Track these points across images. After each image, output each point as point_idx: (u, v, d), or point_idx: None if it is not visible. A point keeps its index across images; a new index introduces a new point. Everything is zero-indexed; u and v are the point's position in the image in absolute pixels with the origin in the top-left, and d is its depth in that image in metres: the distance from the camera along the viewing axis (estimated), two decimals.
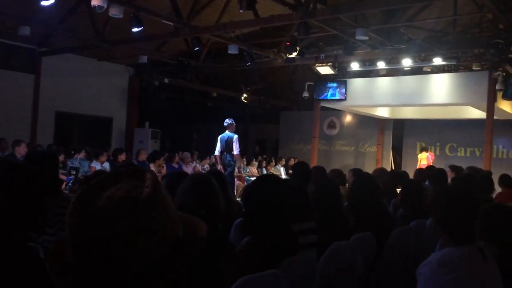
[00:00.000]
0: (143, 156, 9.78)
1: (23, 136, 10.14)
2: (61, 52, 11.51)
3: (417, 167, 10.22)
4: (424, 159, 12.48)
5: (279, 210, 2.50)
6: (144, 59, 11.28)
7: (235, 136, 9.03)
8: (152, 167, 9.79)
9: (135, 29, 8.08)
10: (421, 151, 12.88)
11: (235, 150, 9.03)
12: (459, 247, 1.94)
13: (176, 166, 10.45)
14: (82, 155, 9.36)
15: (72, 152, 9.54)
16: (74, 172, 7.90)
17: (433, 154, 13.09)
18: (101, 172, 3.68)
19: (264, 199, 2.52)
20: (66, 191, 5.74)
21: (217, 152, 9.21)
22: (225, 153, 9.08)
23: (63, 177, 7.51)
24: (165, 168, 9.88)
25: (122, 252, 0.78)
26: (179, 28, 9.07)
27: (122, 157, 9.41)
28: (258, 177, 3.00)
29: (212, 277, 2.09)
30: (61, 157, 9.32)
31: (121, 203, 0.81)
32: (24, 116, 11.59)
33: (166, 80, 13.81)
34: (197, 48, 9.82)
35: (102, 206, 0.80)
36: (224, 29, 8.90)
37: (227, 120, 9.10)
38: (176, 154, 11.27)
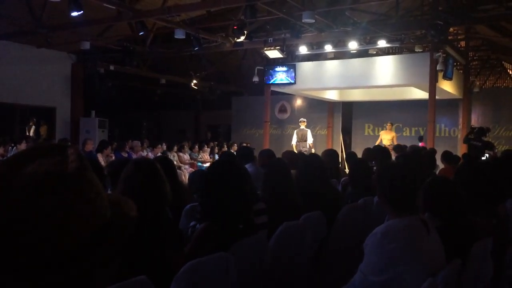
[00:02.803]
0: (89, 146, 9.44)
1: None
2: None
3: None
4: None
5: (241, 193, 2.47)
6: (86, 45, 10.80)
7: (309, 130, 12.51)
8: (100, 157, 9.48)
9: (74, 13, 7.70)
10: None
11: (310, 140, 12.24)
12: (403, 218, 1.99)
13: (125, 155, 10.16)
14: (22, 146, 8.90)
15: (12, 144, 9.05)
16: None
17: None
18: None
19: (227, 184, 2.48)
20: None
21: (294, 142, 12.27)
22: (299, 142, 12.12)
23: None
24: (114, 157, 9.59)
25: (49, 233, 0.71)
26: (122, 12, 8.75)
27: None
28: (215, 162, 2.97)
29: (159, 262, 2.04)
30: (1, 150, 8.85)
31: (47, 179, 0.73)
32: None
33: (111, 67, 13.34)
34: (141, 33, 9.50)
35: (24, 184, 0.72)
36: (169, 12, 8.66)
37: (301, 119, 12.65)
38: (126, 143, 10.96)
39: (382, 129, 13.30)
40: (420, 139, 12.73)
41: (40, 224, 0.71)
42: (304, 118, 12.93)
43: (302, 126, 12.41)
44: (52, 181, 0.73)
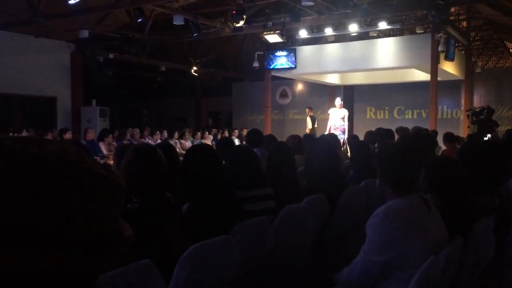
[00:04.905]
0: (90, 135, 9.45)
1: None
2: None
3: None
4: None
5: (211, 176, 2.56)
6: (85, 33, 10.73)
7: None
8: (102, 145, 9.51)
9: (71, 1, 7.65)
10: None
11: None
12: (403, 198, 1.99)
13: (127, 142, 10.17)
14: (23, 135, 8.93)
15: (11, 134, 9.07)
16: None
17: None
18: None
19: (195, 167, 2.59)
20: None
21: (310, 126, 13.20)
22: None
23: None
24: (115, 145, 9.62)
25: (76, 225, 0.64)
26: None
27: (67, 136, 9.05)
28: (189, 147, 3.06)
29: (161, 247, 2.05)
30: None
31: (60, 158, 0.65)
32: None
33: (111, 56, 13.26)
34: (140, 20, 9.44)
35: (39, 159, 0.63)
36: None
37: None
38: (127, 131, 10.99)
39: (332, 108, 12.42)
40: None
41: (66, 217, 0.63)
42: (308, 104, 14.10)
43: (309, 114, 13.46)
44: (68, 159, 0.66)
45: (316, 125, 13.37)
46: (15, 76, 11.77)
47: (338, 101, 11.97)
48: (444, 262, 1.84)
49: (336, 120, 11.71)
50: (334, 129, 11.37)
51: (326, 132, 11.09)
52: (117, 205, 0.70)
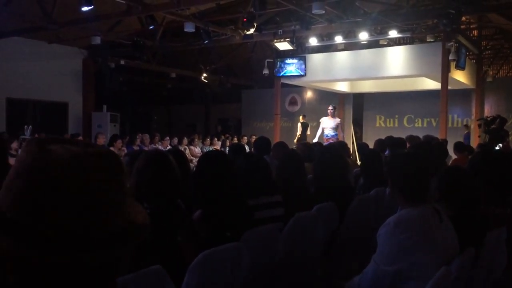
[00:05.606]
0: (101, 140, 9.53)
1: None
2: (8, 35, 10.92)
3: None
4: None
5: (225, 184, 2.58)
6: (97, 40, 10.87)
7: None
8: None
9: (85, 8, 7.75)
10: None
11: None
12: (415, 208, 1.98)
13: (137, 148, 10.24)
14: None
15: (26, 126, 9.18)
16: None
17: None
18: None
19: (209, 174, 2.61)
20: None
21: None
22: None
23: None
24: (125, 151, 9.68)
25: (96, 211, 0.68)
26: (132, 6, 8.77)
27: None
28: (204, 153, 3.07)
29: (170, 251, 2.06)
30: (15, 145, 8.95)
31: (87, 156, 0.69)
32: None
33: (122, 62, 13.41)
34: (151, 27, 9.54)
35: (63, 161, 0.66)
36: (178, 6, 8.65)
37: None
38: (137, 137, 11.06)
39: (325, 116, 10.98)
40: None
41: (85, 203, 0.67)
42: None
43: (301, 121, 13.42)
44: (94, 158, 0.69)
45: (308, 132, 13.41)
46: (27, 82, 11.93)
47: (330, 108, 10.73)
48: (456, 273, 1.83)
49: (328, 130, 10.54)
50: (326, 140, 10.19)
51: (315, 140, 10.05)
52: (109, 204, 0.70)
